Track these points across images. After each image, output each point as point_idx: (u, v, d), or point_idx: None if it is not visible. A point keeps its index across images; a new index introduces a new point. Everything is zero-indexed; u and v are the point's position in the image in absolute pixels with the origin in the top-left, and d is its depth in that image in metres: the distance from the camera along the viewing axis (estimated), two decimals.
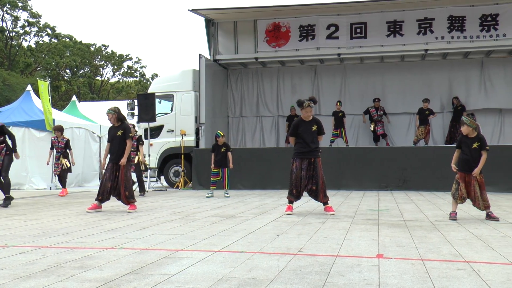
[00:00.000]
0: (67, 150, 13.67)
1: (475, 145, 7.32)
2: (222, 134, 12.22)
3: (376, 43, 16.23)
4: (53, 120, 16.28)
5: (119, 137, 8.98)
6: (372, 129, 16.69)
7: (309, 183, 8.18)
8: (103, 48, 56.10)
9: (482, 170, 7.31)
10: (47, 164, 13.91)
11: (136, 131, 13.31)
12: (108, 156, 9.17)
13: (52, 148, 13.75)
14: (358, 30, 16.34)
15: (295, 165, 8.23)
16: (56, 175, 13.90)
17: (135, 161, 12.65)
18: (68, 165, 13.66)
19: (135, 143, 12.81)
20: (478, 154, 7.30)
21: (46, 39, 50.15)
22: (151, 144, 15.95)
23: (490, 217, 7.34)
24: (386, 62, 17.69)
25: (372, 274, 3.97)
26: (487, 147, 7.36)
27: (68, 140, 13.81)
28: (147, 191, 14.07)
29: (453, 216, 7.42)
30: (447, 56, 17.09)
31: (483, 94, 16.96)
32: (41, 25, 48.66)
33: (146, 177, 15.34)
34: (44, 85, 16.61)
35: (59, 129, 13.66)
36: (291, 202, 8.38)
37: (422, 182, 13.74)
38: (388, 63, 17.69)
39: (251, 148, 17.33)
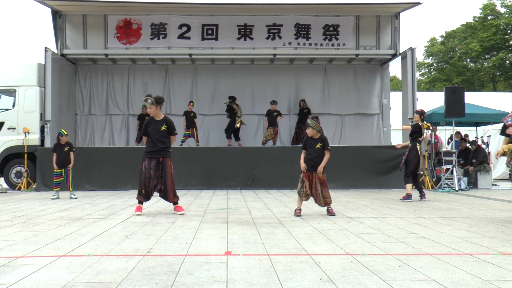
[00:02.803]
0: None
1: (318, 146, 7.85)
2: (65, 133, 11.76)
3: (227, 45, 16.61)
4: None
5: None
6: (238, 125, 16.78)
7: (158, 183, 8.15)
8: None
9: (324, 169, 7.83)
10: None
11: None
12: None
13: None
14: (210, 32, 16.58)
15: (144, 164, 8.15)
16: None
17: None
18: None
19: None
20: (321, 153, 7.82)
21: None
22: None
23: (329, 212, 7.89)
24: (236, 64, 18.13)
25: (220, 271, 4.07)
26: (329, 147, 7.92)
27: None
28: None
29: (297, 213, 7.84)
30: (294, 61, 17.98)
31: (325, 98, 18.13)
32: None
33: None
34: None
35: None
36: (140, 202, 8.26)
37: (270, 180, 14.34)
38: (239, 65, 18.14)
39: (100, 147, 16.78)
